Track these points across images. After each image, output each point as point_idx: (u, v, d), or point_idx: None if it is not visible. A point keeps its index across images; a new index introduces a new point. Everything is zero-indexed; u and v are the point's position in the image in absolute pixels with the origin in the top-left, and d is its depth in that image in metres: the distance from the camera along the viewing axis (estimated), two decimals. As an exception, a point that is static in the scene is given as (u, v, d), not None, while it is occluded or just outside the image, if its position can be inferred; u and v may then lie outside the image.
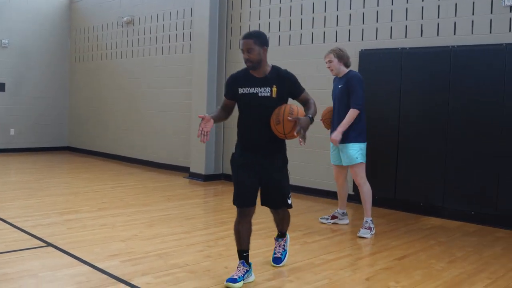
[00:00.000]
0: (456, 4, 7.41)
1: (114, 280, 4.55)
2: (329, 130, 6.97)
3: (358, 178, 6.65)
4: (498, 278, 4.97)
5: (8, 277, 4.58)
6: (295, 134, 4.36)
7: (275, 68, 4.64)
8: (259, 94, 4.53)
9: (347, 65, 6.66)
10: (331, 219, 7.10)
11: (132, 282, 4.49)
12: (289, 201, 4.83)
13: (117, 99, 13.50)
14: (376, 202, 8.15)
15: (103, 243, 5.77)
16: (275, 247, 5.22)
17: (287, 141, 4.73)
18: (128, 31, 13.07)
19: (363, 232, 6.48)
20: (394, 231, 6.77)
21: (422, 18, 7.77)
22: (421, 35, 7.79)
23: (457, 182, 7.44)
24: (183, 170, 11.22)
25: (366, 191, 6.66)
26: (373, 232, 6.56)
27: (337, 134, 6.48)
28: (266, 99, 4.52)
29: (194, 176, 10.39)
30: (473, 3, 7.26)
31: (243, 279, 4.50)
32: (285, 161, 4.79)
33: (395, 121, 7.98)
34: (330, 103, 8.55)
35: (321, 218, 7.20)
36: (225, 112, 4.75)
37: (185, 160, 11.15)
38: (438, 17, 7.61)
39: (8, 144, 14.34)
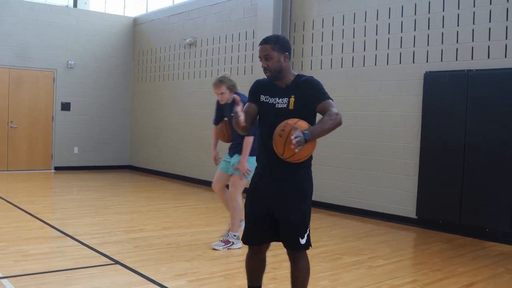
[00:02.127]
0: (525, 26, 7.28)
1: (182, 300, 4.61)
2: None
3: (232, 190, 6.55)
4: None
5: (80, 293, 4.69)
6: (295, 150, 3.47)
7: (298, 76, 3.95)
8: (277, 106, 3.88)
9: (235, 92, 6.46)
10: (226, 245, 6.63)
11: (200, 302, 4.53)
12: (303, 241, 3.87)
13: (178, 119, 13.72)
14: (441, 227, 8.04)
15: (169, 262, 5.85)
16: None
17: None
18: (191, 52, 13.31)
19: (216, 244, 6.49)
20: (460, 257, 6.62)
21: (489, 40, 7.64)
22: (488, 57, 7.66)
23: (526, 208, 7.24)
24: (243, 190, 11.25)
25: (236, 206, 6.56)
26: (232, 247, 6.49)
27: (244, 163, 6.39)
28: (283, 111, 3.82)
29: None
30: (543, 24, 7.11)
31: None
32: (303, 189, 3.90)
33: (461, 145, 7.83)
34: (393, 125, 8.51)
35: (214, 245, 6.64)
36: (253, 116, 4.06)
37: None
38: (506, 38, 7.47)
39: (72, 162, 14.74)
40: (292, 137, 3.37)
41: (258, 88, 4.04)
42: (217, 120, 6.79)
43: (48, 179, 13.09)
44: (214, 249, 6.47)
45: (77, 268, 5.52)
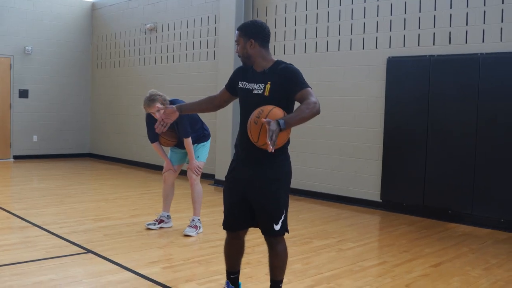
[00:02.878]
0: (484, 12, 7.45)
1: (159, 287, 4.63)
2: None
3: (192, 176, 6.73)
4: (537, 286, 5.01)
5: (55, 283, 4.67)
6: (267, 141, 3.36)
7: (276, 63, 3.94)
8: (253, 91, 3.87)
9: (167, 102, 6.62)
10: (158, 224, 6.91)
11: (177, 289, 4.57)
12: (276, 227, 3.88)
13: (138, 106, 13.53)
14: (405, 210, 8.23)
15: (142, 250, 5.85)
16: None
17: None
18: (151, 38, 13.20)
19: (188, 230, 6.60)
20: (425, 238, 6.80)
21: (451, 26, 7.81)
22: (449, 42, 7.83)
23: (486, 189, 7.47)
24: (206, 177, 11.28)
25: (197, 190, 6.75)
26: (200, 231, 6.72)
27: (192, 163, 6.65)
28: (257, 97, 3.82)
29: (219, 183, 10.45)
30: (502, 10, 7.30)
31: None
32: (277, 174, 3.90)
33: (424, 128, 8.01)
34: (356, 110, 8.65)
35: (147, 224, 6.90)
36: (210, 103, 4.30)
37: (210, 167, 11.21)
38: (467, 24, 7.65)
39: (31, 150, 14.49)
40: (268, 139, 3.34)
41: (237, 74, 4.08)
42: (152, 136, 6.80)
43: (8, 168, 12.83)
44: (187, 235, 6.52)
45: (49, 258, 5.47)
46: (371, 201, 8.71)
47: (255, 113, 3.63)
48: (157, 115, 6.45)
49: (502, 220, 7.33)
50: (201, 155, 6.82)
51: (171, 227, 6.96)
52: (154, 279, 4.83)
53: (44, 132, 14.70)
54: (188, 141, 6.57)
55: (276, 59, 3.99)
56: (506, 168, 7.27)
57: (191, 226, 6.66)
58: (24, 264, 5.22)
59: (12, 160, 14.10)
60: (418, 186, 8.14)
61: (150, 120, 6.71)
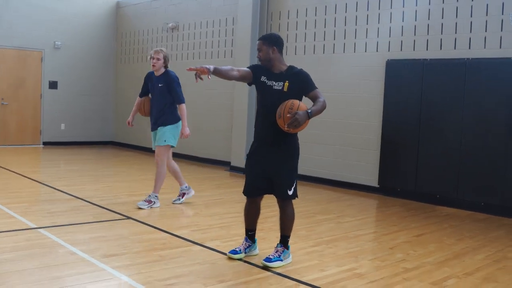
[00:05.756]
0: (471, 22, 8.52)
1: (190, 243, 5.78)
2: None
3: (159, 158, 7.57)
4: (498, 251, 6.12)
5: (106, 238, 5.83)
6: (286, 127, 4.75)
7: (290, 67, 5.11)
8: (274, 87, 5.02)
9: (166, 66, 7.61)
10: (182, 197, 7.95)
11: (206, 244, 5.72)
12: (290, 192, 5.07)
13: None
14: (399, 194, 9.32)
15: (173, 218, 7.02)
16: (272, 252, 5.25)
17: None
18: (173, 36, 14.33)
19: (141, 204, 7.49)
20: (413, 217, 7.90)
21: (442, 33, 8.88)
22: (441, 48, 8.91)
23: (469, 177, 8.55)
24: (223, 164, 12.43)
25: (162, 171, 7.59)
26: (153, 206, 7.53)
27: (186, 129, 7.60)
28: (278, 92, 4.98)
29: (234, 169, 11.59)
30: (486, 21, 8.37)
31: (245, 253, 5.27)
32: (291, 152, 5.10)
33: (417, 123, 9.09)
34: (358, 106, 9.75)
35: (174, 201, 7.93)
36: (232, 74, 5.03)
37: (226, 155, 12.36)
38: (456, 32, 8.72)
39: (59, 137, 15.69)
40: (288, 126, 4.72)
41: (261, 69, 5.17)
42: (142, 93, 7.87)
43: (39, 153, 14.03)
44: (139, 208, 7.44)
45: (96, 221, 6.63)
46: (370, 186, 9.82)
47: (288, 105, 4.81)
48: (153, 61, 7.46)
49: (482, 203, 8.41)
50: (168, 139, 7.56)
51: (193, 194, 8.08)
52: (185, 237, 5.98)
53: (71, 120, 15.89)
54: (183, 106, 7.54)
55: (289, 64, 5.18)
56: (487, 159, 8.34)
57: (145, 200, 7.57)
58: (77, 225, 6.40)
59: (41, 146, 15.30)
60: (411, 174, 9.23)
61: (148, 79, 7.76)
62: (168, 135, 7.56)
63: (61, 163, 12.41)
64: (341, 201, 9.00)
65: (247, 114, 11.39)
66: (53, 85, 15.48)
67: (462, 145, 8.60)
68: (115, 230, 6.27)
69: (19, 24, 14.79)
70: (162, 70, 7.59)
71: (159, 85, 7.53)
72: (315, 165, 10.65)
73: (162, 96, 7.54)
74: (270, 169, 5.09)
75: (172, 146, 7.68)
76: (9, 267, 4.70)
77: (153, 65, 7.51)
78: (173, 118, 7.62)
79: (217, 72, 4.88)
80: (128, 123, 8.11)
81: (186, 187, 8.04)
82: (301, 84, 5.04)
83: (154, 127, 7.68)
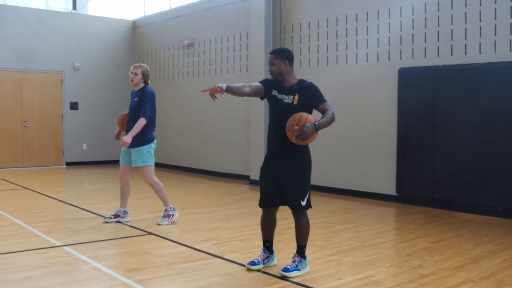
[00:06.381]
0: (480, 27, 8.60)
1: (211, 256, 5.93)
2: None
3: (147, 179, 7.61)
4: (516, 255, 6.17)
5: (128, 254, 6.01)
6: (294, 139, 4.87)
7: (301, 80, 5.25)
8: (284, 100, 5.15)
9: (146, 82, 7.64)
10: (114, 218, 7.71)
11: (225, 257, 5.86)
12: (303, 203, 5.18)
13: (178, 116, 15.01)
14: (417, 202, 9.38)
15: (194, 232, 7.16)
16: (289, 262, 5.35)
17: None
18: (189, 53, 14.57)
19: (161, 221, 7.58)
20: (431, 224, 7.96)
21: (452, 39, 8.97)
22: (451, 54, 8.99)
23: (487, 182, 8.58)
24: (241, 178, 12.58)
25: (158, 187, 7.65)
26: (172, 218, 7.63)
27: (128, 137, 7.38)
28: (288, 106, 5.11)
29: (254, 183, 11.72)
30: (495, 25, 8.44)
31: (263, 263, 5.41)
32: (302, 163, 5.21)
33: (432, 129, 9.16)
34: (373, 115, 9.85)
35: (105, 218, 7.74)
36: (245, 90, 5.19)
37: (245, 169, 12.51)
38: (465, 38, 8.80)
39: (81, 157, 15.99)
40: (296, 139, 4.83)
41: (272, 84, 5.31)
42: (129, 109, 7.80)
43: (62, 173, 14.33)
44: (159, 224, 7.55)
45: (119, 238, 6.83)
46: (388, 195, 9.88)
47: (296, 118, 4.92)
48: (131, 76, 7.56)
49: (500, 208, 8.44)
50: (147, 160, 7.59)
51: (128, 221, 7.77)
52: (206, 251, 6.13)
53: (93, 140, 16.19)
54: (142, 121, 7.37)
55: (299, 78, 5.33)
56: (504, 163, 8.38)
57: (163, 216, 7.70)
58: (100, 242, 6.59)
59: (64, 166, 15.59)
60: (429, 181, 9.29)
61: (131, 95, 7.79)
62: (146, 156, 7.57)
63: (84, 182, 12.66)
64: (359, 210, 9.08)
65: (264, 127, 11.53)
66: (73, 106, 15.81)
67: (477, 150, 8.65)
68: (137, 245, 6.43)
69: (38, 47, 15.15)
70: (141, 85, 7.63)
71: (135, 99, 7.57)
72: (332, 176, 10.75)
73: (136, 112, 7.54)
74: (283, 181, 5.21)
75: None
76: (36, 284, 4.89)
77: (131, 80, 7.59)
78: (146, 138, 7.58)
79: (229, 90, 5.02)
80: (115, 137, 8.18)
81: (124, 211, 7.84)
82: (310, 97, 5.17)
83: (129, 145, 7.55)
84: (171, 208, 7.78)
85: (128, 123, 7.66)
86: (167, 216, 7.71)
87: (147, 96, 7.52)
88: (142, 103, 7.49)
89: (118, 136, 8.14)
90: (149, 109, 7.50)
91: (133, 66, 7.65)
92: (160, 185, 7.75)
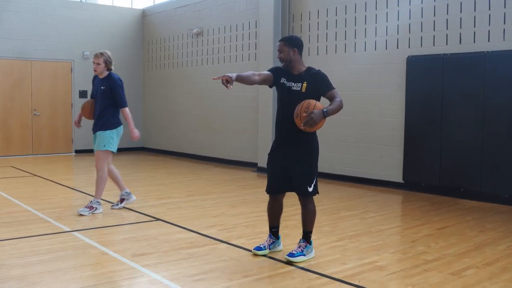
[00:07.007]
0: (489, 16, 8.59)
1: (217, 241, 6.00)
2: None
3: (97, 163, 7.53)
4: (520, 241, 6.20)
5: (136, 239, 6.08)
6: (302, 126, 4.90)
7: (309, 68, 5.30)
8: (292, 88, 5.21)
9: (109, 69, 7.56)
10: (121, 203, 7.82)
11: (231, 242, 5.93)
12: (310, 189, 5.24)
13: (186, 103, 15.07)
14: (423, 189, 9.41)
15: (200, 218, 7.23)
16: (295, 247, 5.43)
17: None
18: (198, 41, 14.61)
19: (82, 210, 7.34)
20: (436, 211, 7.99)
21: (461, 28, 8.96)
22: (460, 42, 8.98)
23: (493, 170, 8.60)
24: (250, 165, 12.64)
25: (101, 176, 7.51)
26: (95, 212, 7.38)
27: (135, 130, 7.60)
28: (296, 93, 5.16)
29: (262, 170, 11.78)
30: (504, 13, 8.43)
31: (269, 249, 5.47)
32: (310, 150, 5.26)
33: (439, 117, 9.17)
34: (380, 103, 9.86)
35: (113, 206, 7.81)
36: (254, 79, 5.22)
37: (253, 156, 12.57)
38: (474, 26, 8.79)
39: (90, 145, 15.67)
40: (304, 125, 4.84)
41: (281, 71, 5.35)
42: (91, 95, 7.80)
43: (71, 161, 14.45)
44: (81, 214, 7.31)
45: (127, 224, 6.91)
46: (394, 182, 9.92)
47: (304, 105, 4.96)
48: (94, 67, 7.52)
49: (506, 195, 8.46)
50: (108, 144, 7.46)
51: (135, 200, 7.96)
52: (213, 236, 6.20)
53: (102, 128, 16.21)
54: (126, 111, 7.50)
55: (307, 66, 5.38)
56: (509, 151, 8.38)
57: (86, 206, 7.44)
58: (108, 227, 6.70)
59: (73, 154, 15.70)
60: (435, 168, 9.30)
61: (93, 81, 7.78)
62: (107, 140, 7.48)
63: (93, 170, 12.69)
64: (365, 197, 9.12)
65: (272, 115, 11.57)
66: (83, 94, 15.84)
67: (484, 138, 8.65)
68: (144, 231, 6.50)
69: (48, 36, 15.24)
70: (106, 73, 7.58)
71: (102, 87, 7.52)
72: (338, 163, 10.79)
73: (103, 99, 7.48)
74: (290, 167, 5.26)
75: (113, 152, 7.64)
76: (44, 267, 4.98)
77: (95, 70, 7.57)
78: (113, 123, 7.53)
79: (239, 79, 5.07)
80: (76, 122, 8.09)
81: (126, 192, 7.92)
82: (318, 84, 5.22)
83: (94, 130, 7.60)
84: (98, 202, 7.54)
85: (95, 110, 7.61)
86: (90, 207, 7.44)
87: (117, 84, 7.51)
88: (115, 93, 7.47)
89: (79, 123, 8.05)
90: (124, 97, 7.56)
91: (95, 56, 7.56)
92: (105, 177, 7.60)
